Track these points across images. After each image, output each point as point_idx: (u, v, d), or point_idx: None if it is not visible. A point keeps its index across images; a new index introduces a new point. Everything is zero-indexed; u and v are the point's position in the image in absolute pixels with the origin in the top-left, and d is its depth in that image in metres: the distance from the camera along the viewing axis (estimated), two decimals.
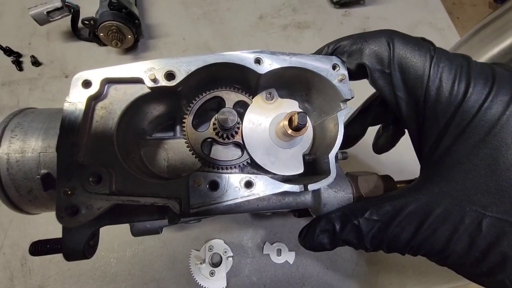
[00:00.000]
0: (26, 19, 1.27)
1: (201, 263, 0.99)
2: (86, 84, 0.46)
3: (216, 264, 1.01)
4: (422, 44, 0.50)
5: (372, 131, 0.82)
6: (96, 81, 0.46)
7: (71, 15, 1.21)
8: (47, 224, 1.00)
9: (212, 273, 0.98)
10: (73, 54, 1.29)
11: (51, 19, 1.18)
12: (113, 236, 1.01)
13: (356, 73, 0.56)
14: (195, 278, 0.97)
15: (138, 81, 0.48)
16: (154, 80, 0.47)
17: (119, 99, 0.49)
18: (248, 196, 0.48)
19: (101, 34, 1.21)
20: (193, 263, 0.99)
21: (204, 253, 1.01)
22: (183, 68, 0.49)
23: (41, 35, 1.31)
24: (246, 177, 0.49)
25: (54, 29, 1.31)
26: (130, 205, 0.54)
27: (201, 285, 0.97)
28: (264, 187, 0.49)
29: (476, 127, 0.45)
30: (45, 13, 1.16)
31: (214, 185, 0.48)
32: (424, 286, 1.03)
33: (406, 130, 0.76)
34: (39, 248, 0.54)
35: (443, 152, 0.48)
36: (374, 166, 1.17)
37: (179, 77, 0.49)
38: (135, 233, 0.66)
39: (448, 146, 0.47)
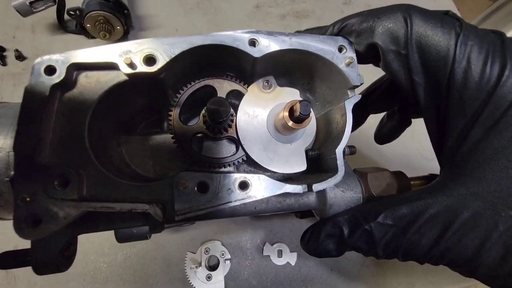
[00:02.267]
0: (10, 12, 1.18)
1: (197, 267, 0.92)
2: (50, 70, 0.38)
3: (213, 267, 0.94)
4: (446, 20, 0.42)
5: (373, 124, 0.75)
6: (62, 67, 0.38)
7: (56, 6, 1.13)
8: None
9: (209, 277, 0.91)
10: (59, 48, 1.20)
11: (34, 10, 1.10)
12: (103, 239, 0.93)
13: (365, 55, 0.48)
14: (191, 283, 0.90)
15: (113, 66, 0.40)
16: (131, 65, 0.40)
17: (91, 88, 0.41)
18: (243, 199, 0.41)
19: (88, 25, 1.13)
20: (188, 267, 0.92)
21: (200, 256, 0.94)
22: (166, 50, 0.41)
23: (26, 28, 1.22)
24: (240, 177, 0.42)
25: (39, 22, 1.22)
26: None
27: None
28: (261, 188, 0.42)
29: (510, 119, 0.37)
30: (28, 4, 1.08)
31: (203, 187, 0.41)
32: (433, 287, 0.97)
33: (412, 120, 0.69)
34: (6, 260, 0.47)
35: (471, 146, 0.40)
36: (376, 160, 1.09)
37: (161, 62, 0.41)
38: (120, 239, 0.58)
39: (477, 140, 0.40)
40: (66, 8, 1.13)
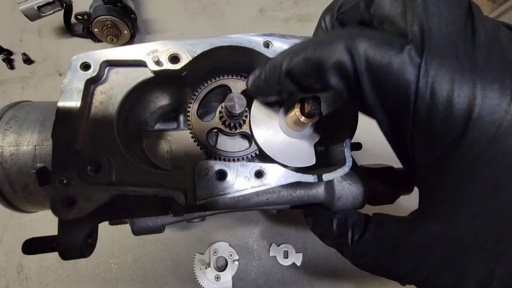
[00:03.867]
0: (16, 15, 1.25)
1: (205, 267, 0.97)
2: (85, 66, 0.45)
3: (221, 267, 0.99)
4: (400, 44, 0.35)
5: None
6: (96, 64, 0.45)
7: (63, 10, 1.19)
8: (44, 230, 0.98)
9: (217, 278, 0.96)
10: (66, 51, 1.27)
11: (42, 14, 1.16)
12: (113, 240, 0.98)
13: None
14: (199, 283, 0.95)
15: (141, 64, 0.46)
16: (158, 63, 0.46)
17: (120, 83, 0.47)
18: (258, 186, 0.46)
19: (96, 30, 1.20)
20: (197, 267, 0.97)
21: (209, 257, 0.99)
22: (189, 50, 0.47)
23: (33, 31, 1.29)
24: (256, 166, 0.47)
25: (46, 25, 1.29)
26: (131, 199, 0.52)
27: None
28: (275, 177, 0.47)
29: (485, 164, 0.34)
30: (36, 8, 1.13)
31: (222, 175, 0.46)
32: None
33: None
34: (33, 246, 0.52)
35: (441, 189, 0.39)
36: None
37: (184, 60, 0.47)
38: (136, 231, 0.63)
39: (449, 183, 0.38)
40: (74, 12, 1.20)
